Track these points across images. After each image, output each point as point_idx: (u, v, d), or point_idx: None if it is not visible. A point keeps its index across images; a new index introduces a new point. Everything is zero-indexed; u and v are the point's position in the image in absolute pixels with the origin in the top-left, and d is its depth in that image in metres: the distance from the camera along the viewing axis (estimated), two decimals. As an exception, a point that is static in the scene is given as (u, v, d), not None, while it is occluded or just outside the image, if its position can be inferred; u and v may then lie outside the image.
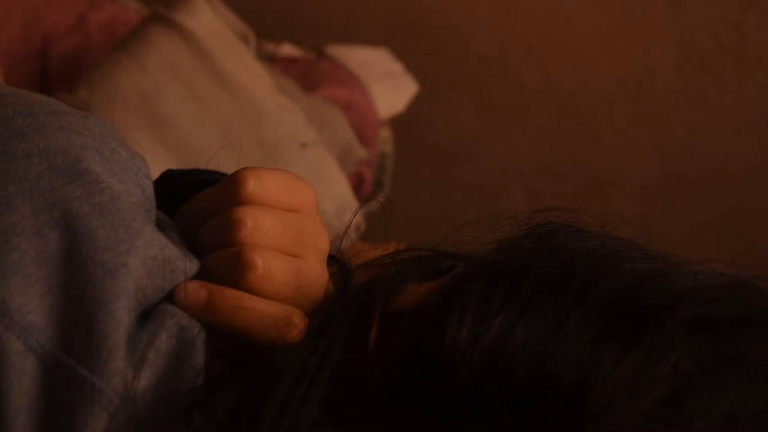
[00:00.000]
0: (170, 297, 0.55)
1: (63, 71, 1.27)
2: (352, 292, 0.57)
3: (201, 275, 0.56)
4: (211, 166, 0.92)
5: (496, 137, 1.47)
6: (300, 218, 0.59)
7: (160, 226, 0.58)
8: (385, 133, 1.28)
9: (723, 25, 1.34)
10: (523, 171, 1.50)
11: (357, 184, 1.24)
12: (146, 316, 0.53)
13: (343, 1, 1.47)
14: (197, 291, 0.55)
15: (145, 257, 0.52)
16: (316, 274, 0.58)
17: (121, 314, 0.50)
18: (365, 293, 0.55)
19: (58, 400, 0.49)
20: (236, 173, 0.57)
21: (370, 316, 0.52)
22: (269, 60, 1.32)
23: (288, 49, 1.35)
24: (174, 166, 1.07)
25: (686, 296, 0.48)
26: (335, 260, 0.61)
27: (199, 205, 0.60)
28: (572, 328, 0.47)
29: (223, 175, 0.62)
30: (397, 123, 1.29)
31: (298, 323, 0.55)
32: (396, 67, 1.35)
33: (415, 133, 1.25)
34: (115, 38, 1.27)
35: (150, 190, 0.59)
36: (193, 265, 0.56)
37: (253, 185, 0.57)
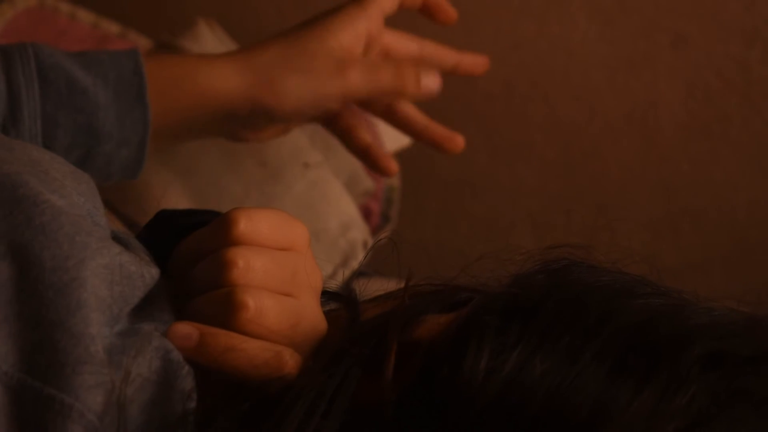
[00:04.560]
0: (148, 314, 0.56)
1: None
2: (366, 324, 0.57)
3: (193, 316, 0.57)
4: (215, 188, 0.94)
5: (503, 171, 1.48)
6: (292, 257, 0.59)
7: (117, 239, 0.59)
8: (393, 167, 1.28)
9: (727, 60, 1.34)
10: (529, 204, 1.50)
11: (365, 216, 1.24)
12: (129, 331, 0.54)
13: (350, 37, 1.48)
14: (188, 333, 0.55)
15: (95, 267, 0.53)
16: (310, 313, 0.59)
17: (80, 329, 0.51)
18: (380, 325, 0.55)
19: (31, 423, 0.49)
20: (227, 214, 0.58)
21: (386, 347, 0.53)
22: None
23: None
24: (178, 189, 1.08)
25: (701, 332, 0.49)
26: (342, 297, 0.62)
27: (191, 246, 0.61)
28: (588, 363, 0.48)
29: (216, 214, 0.62)
30: (404, 156, 1.30)
31: (289, 362, 0.55)
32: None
33: (422, 167, 1.26)
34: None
35: (89, 205, 0.59)
36: (152, 270, 0.56)
37: (244, 225, 0.58)
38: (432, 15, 0.96)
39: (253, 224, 0.57)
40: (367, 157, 0.95)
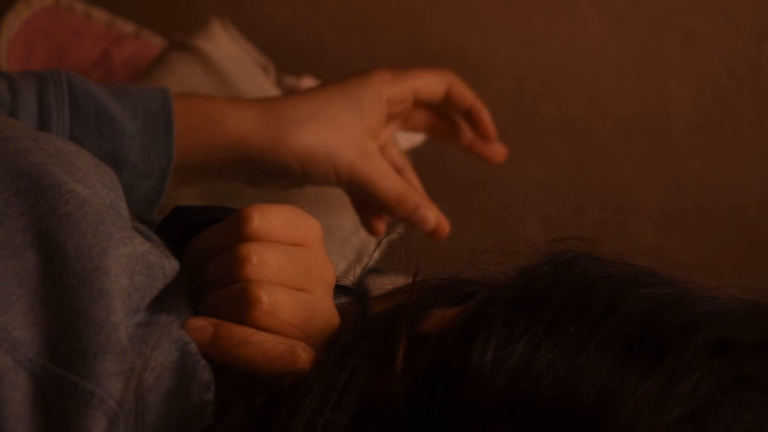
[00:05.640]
0: (166, 307, 0.57)
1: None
2: (376, 318, 0.58)
3: (207, 311, 0.58)
4: (229, 186, 0.95)
5: (514, 169, 1.48)
6: (305, 252, 0.60)
7: (138, 232, 0.60)
8: (405, 165, 1.29)
9: (737, 57, 1.35)
10: (540, 202, 1.50)
11: (377, 213, 1.25)
12: (148, 323, 0.55)
13: (362, 36, 1.49)
14: (203, 327, 0.56)
15: (118, 256, 0.54)
16: (323, 307, 0.60)
17: (101, 317, 0.52)
18: (389, 319, 0.56)
19: (54, 408, 0.50)
20: (240, 210, 0.59)
21: (396, 341, 0.54)
22: (290, 93, 1.34)
23: (308, 82, 1.37)
24: (193, 186, 1.09)
25: (705, 320, 0.49)
26: (352, 291, 0.63)
27: (205, 243, 0.62)
28: (594, 352, 0.48)
29: (230, 211, 0.63)
30: (417, 154, 1.31)
31: (302, 356, 0.56)
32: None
33: (434, 165, 1.26)
34: (139, 72, 1.30)
35: (113, 196, 0.60)
36: (172, 263, 0.57)
37: (257, 221, 0.59)
38: (473, 126, 0.97)
39: (266, 220, 0.58)
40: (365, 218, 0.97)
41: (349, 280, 0.66)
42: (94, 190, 0.57)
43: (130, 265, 0.54)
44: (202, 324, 0.56)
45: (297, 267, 0.59)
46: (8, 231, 0.52)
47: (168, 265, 0.57)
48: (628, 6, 1.39)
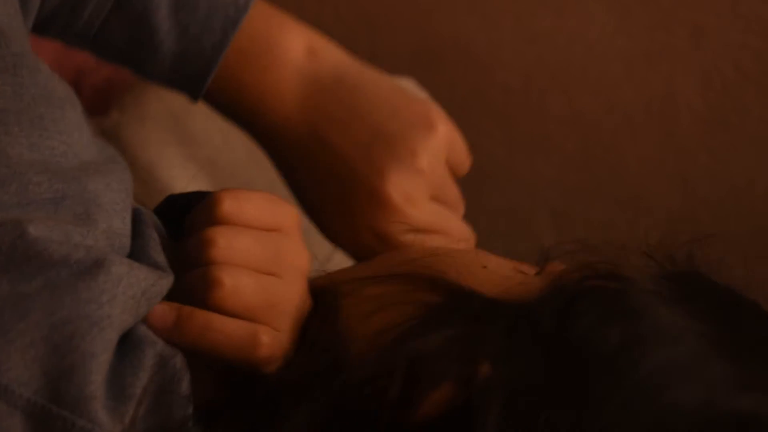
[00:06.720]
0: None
1: (94, 101, 1.30)
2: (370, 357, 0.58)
3: (178, 295, 0.57)
4: (239, 182, 0.93)
5: (522, 164, 1.48)
6: (277, 237, 0.60)
7: (137, 231, 0.59)
8: (411, 160, 1.29)
9: (744, 51, 1.34)
10: (548, 197, 1.50)
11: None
12: (123, 340, 0.54)
13: (368, 33, 1.49)
14: (166, 313, 0.56)
15: (125, 301, 0.53)
16: (293, 292, 0.59)
17: (106, 365, 0.51)
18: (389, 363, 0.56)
19: None
20: (213, 194, 0.59)
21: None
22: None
23: (315, 79, 1.37)
24: (204, 183, 1.10)
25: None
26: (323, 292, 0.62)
27: (185, 226, 0.62)
28: None
29: None
30: (423, 150, 1.30)
31: (264, 341, 0.56)
32: (421, 96, 1.36)
33: (441, 161, 1.26)
34: (146, 70, 1.30)
35: (120, 223, 0.60)
36: (168, 281, 0.57)
37: (228, 205, 0.59)
38: None
39: (238, 204, 0.58)
40: None
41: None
42: (101, 239, 0.57)
43: (134, 304, 0.54)
44: (164, 309, 0.56)
45: (266, 251, 0.59)
46: (12, 280, 0.51)
47: (166, 287, 0.57)
48: (635, 0, 1.38)
